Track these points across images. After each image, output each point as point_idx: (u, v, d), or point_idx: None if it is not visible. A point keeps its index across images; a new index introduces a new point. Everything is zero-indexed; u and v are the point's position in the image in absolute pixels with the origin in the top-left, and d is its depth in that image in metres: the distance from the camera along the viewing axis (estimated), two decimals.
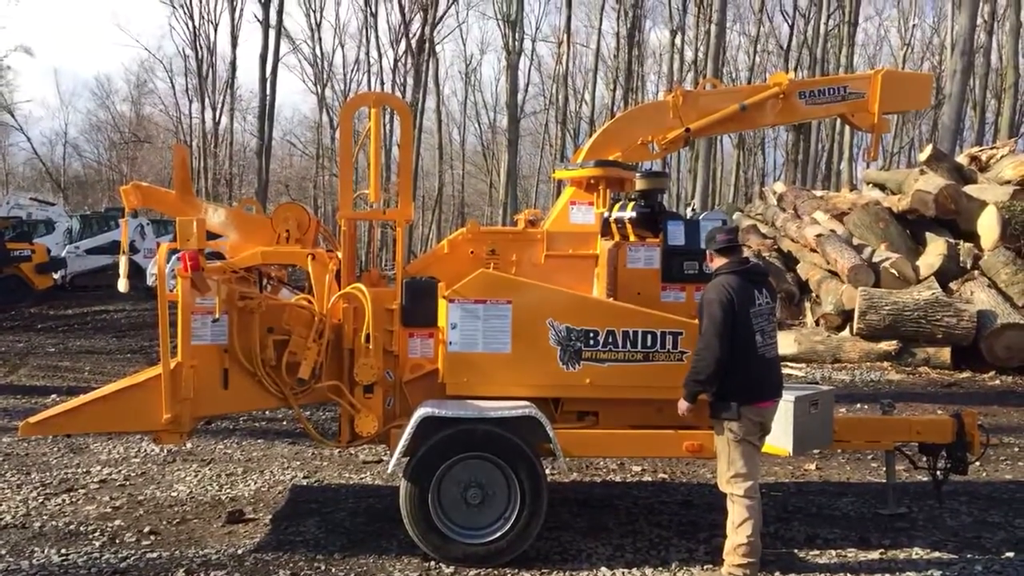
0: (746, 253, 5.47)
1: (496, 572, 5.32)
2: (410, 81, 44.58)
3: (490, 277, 5.75)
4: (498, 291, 5.67)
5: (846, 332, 14.41)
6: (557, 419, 5.77)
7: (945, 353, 13.46)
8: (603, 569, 5.43)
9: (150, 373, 5.60)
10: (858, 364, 13.68)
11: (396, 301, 5.77)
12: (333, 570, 5.32)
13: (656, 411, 5.79)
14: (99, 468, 7.51)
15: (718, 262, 5.28)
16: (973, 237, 15.14)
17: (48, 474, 7.31)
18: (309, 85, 59.22)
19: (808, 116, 6.29)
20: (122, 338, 17.36)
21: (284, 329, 5.66)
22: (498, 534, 5.44)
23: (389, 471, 5.52)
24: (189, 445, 8.14)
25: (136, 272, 27.48)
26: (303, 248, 6.00)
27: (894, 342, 13.63)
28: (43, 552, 5.54)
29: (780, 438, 5.53)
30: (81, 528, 5.99)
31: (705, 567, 5.44)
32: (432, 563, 5.39)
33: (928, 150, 17.09)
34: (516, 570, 5.34)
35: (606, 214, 6.05)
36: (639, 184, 6.14)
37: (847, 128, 46.15)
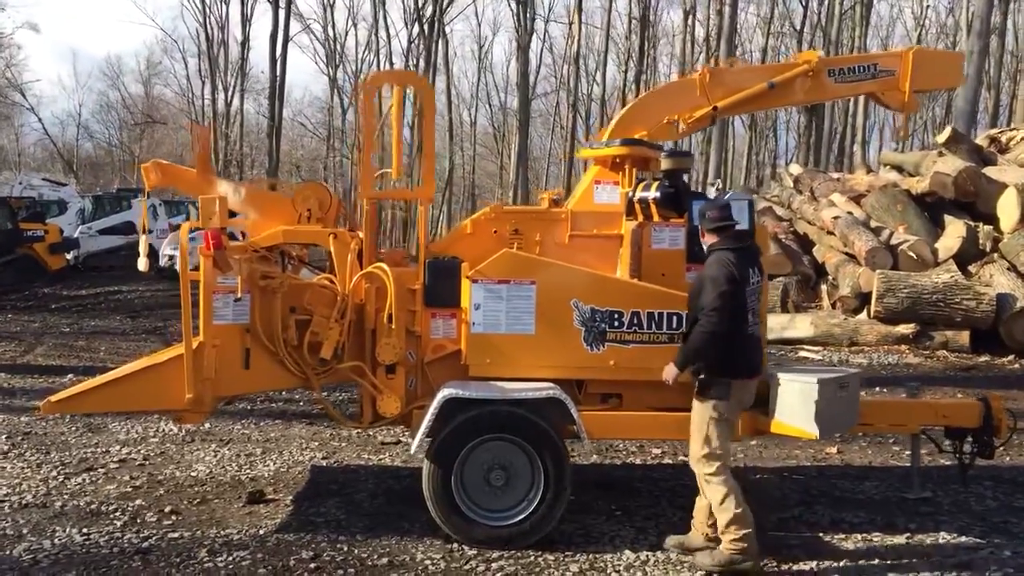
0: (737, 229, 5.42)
1: (520, 554, 5.27)
2: (421, 63, 44.44)
3: (514, 257, 5.69)
4: (522, 271, 5.61)
5: (863, 315, 14.30)
6: (580, 401, 5.71)
7: (964, 336, 13.36)
8: (627, 552, 5.39)
9: (171, 353, 5.57)
10: (875, 347, 13.58)
11: (419, 281, 5.72)
12: (356, 551, 5.28)
13: (680, 393, 5.71)
14: (118, 448, 7.49)
15: (710, 239, 5.23)
16: (992, 220, 14.98)
17: (67, 453, 7.30)
18: (321, 66, 59.18)
19: (837, 94, 6.20)
20: (136, 318, 17.35)
21: (306, 309, 5.61)
22: (521, 516, 5.40)
23: (412, 452, 5.45)
24: (207, 425, 8.11)
25: (149, 253, 27.57)
26: (325, 227, 5.94)
27: (912, 325, 13.52)
28: (65, 531, 5.52)
29: (805, 421, 5.46)
30: (102, 508, 5.97)
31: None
32: (455, 545, 5.35)
33: (947, 132, 16.92)
34: (540, 552, 5.30)
35: (630, 194, 5.98)
36: (663, 164, 6.06)
37: (860, 110, 46.07)
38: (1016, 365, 12.74)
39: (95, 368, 11.04)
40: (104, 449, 7.44)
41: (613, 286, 5.71)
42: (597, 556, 5.31)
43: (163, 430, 8.07)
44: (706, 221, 5.26)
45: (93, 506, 6.00)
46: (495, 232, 5.92)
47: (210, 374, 5.37)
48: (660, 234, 6.00)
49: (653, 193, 5.97)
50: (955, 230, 14.69)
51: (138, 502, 6.10)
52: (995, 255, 14.38)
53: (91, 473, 6.76)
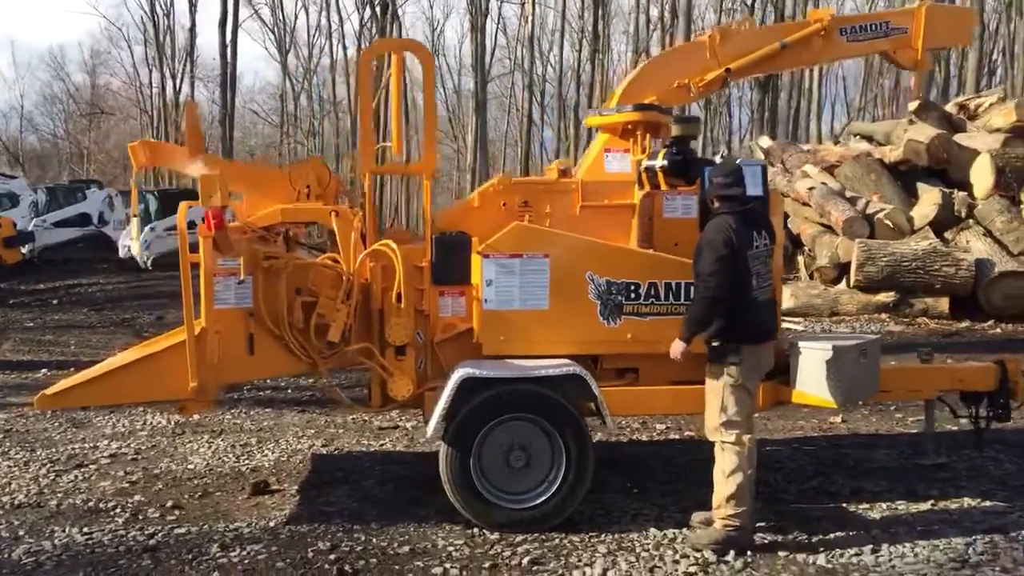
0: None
1: (544, 537, 5.09)
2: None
3: (526, 230, 5.49)
4: (534, 244, 5.42)
5: (842, 285, 14.30)
6: (597, 378, 5.53)
7: (943, 303, 13.41)
8: (652, 530, 5.23)
9: (170, 340, 5.30)
10: (856, 316, 13.60)
11: (426, 258, 5.50)
12: (374, 540, 5.07)
13: (698, 365, 5.56)
14: (107, 442, 7.19)
15: (716, 205, 5.07)
16: (965, 186, 15.04)
17: (54, 450, 6.99)
18: (271, 51, 58.35)
19: (849, 53, 6.07)
20: (101, 311, 16.89)
21: (311, 290, 5.37)
22: (543, 498, 5.22)
23: (428, 436, 5.24)
24: (196, 417, 7.83)
25: (106, 245, 26.98)
26: (325, 205, 5.69)
27: (892, 293, 13.56)
28: (64, 531, 5.24)
29: (826, 390, 5.34)
30: (100, 505, 5.69)
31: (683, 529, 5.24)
32: (476, 529, 5.17)
33: (917, 99, 16.95)
34: (564, 534, 5.13)
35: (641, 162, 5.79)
36: (671, 130, 5.88)
37: (815, 84, 46.30)
38: (998, 329, 12.81)
39: (68, 362, 10.72)
40: (92, 444, 7.13)
41: (629, 257, 5.53)
42: (623, 535, 5.15)
43: (151, 423, 7.78)
44: (713, 187, 5.10)
45: (90, 504, 5.72)
46: (504, 205, 5.69)
47: (213, 361, 5.13)
48: (672, 202, 5.82)
49: (660, 161, 5.79)
50: (930, 197, 14.72)
51: (137, 498, 5.83)
52: (970, 221, 14.44)
53: (82, 470, 6.46)
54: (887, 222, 14.47)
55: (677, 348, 4.99)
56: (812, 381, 5.38)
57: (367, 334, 5.49)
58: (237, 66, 40.73)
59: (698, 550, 4.91)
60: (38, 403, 5.13)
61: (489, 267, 5.39)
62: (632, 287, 5.44)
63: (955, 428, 6.89)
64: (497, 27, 54.20)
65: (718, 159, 6.75)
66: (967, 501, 5.72)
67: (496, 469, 5.22)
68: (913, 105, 16.66)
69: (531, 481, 5.25)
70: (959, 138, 15.84)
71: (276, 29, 53.03)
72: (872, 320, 13.35)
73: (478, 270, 5.40)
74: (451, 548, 4.96)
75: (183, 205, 5.19)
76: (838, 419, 7.80)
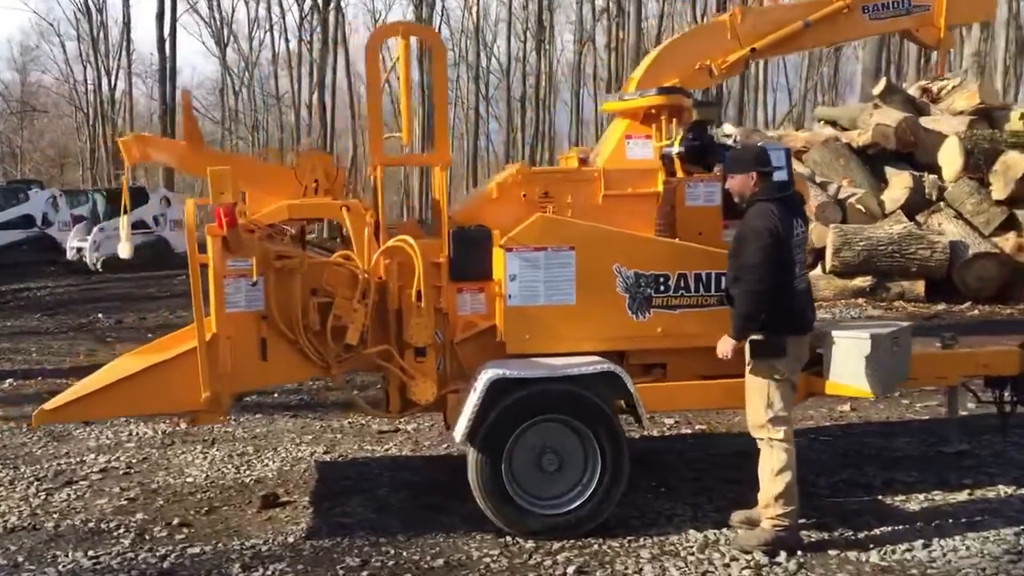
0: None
1: (582, 543, 4.86)
2: (317, 39, 43.17)
3: (550, 221, 5.23)
4: (559, 237, 5.16)
5: (817, 270, 14.24)
6: None
7: (919, 286, 13.44)
8: (692, 532, 5.03)
9: (176, 346, 4.95)
10: (833, 302, 13.55)
11: (443, 254, 5.20)
12: (404, 553, 4.78)
13: (726, 359, 5.36)
14: (93, 456, 6.76)
15: (750, 189, 4.83)
16: (932, 169, 15.07)
17: (39, 467, 6.54)
18: (209, 46, 57.23)
19: (872, 31, 5.93)
20: (54, 315, 16.25)
21: (325, 290, 5.06)
22: (578, 502, 4.98)
23: (458, 441, 4.94)
24: (183, 425, 7.45)
25: (52, 247, 26.14)
26: (333, 199, 5.36)
27: (868, 278, 13.54)
28: (67, 556, 4.85)
29: (864, 379, 5.16)
30: (101, 525, 5.30)
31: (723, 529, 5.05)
32: (509, 538, 4.91)
33: (882, 83, 16.97)
34: (601, 539, 4.90)
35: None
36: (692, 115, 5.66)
37: (761, 76, 46.60)
38: (976, 311, 12.85)
39: (35, 371, 10.28)
40: (78, 459, 6.71)
41: (657, 248, 5.30)
42: (663, 539, 4.93)
43: (137, 434, 7.36)
44: (758, 165, 4.87)
45: (91, 524, 5.32)
46: (524, 196, 5.41)
47: (226, 369, 4.79)
48: (695, 190, 5.62)
49: (677, 148, 5.57)
50: (901, 181, 14.73)
51: (139, 516, 5.45)
52: (941, 204, 14.47)
53: (74, 487, 6.05)
54: (859, 207, 14.45)
55: (727, 346, 4.77)
56: (848, 372, 5.20)
57: (384, 335, 5.19)
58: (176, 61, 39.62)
59: (747, 552, 4.71)
60: (37, 419, 4.75)
61: (513, 261, 5.13)
62: (661, 279, 5.22)
63: (966, 413, 6.77)
64: (440, 19, 53.65)
65: (730, 142, 6.53)
66: (1003, 489, 5.61)
67: (528, 474, 4.97)
68: (878, 88, 16.67)
69: (564, 485, 5.02)
70: (924, 121, 15.87)
71: (213, 23, 51.99)
72: (850, 305, 13.31)
73: (500, 265, 5.13)
74: (487, 559, 4.70)
75: (190, 203, 4.83)
76: (847, 407, 7.67)
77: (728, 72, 5.66)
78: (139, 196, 24.62)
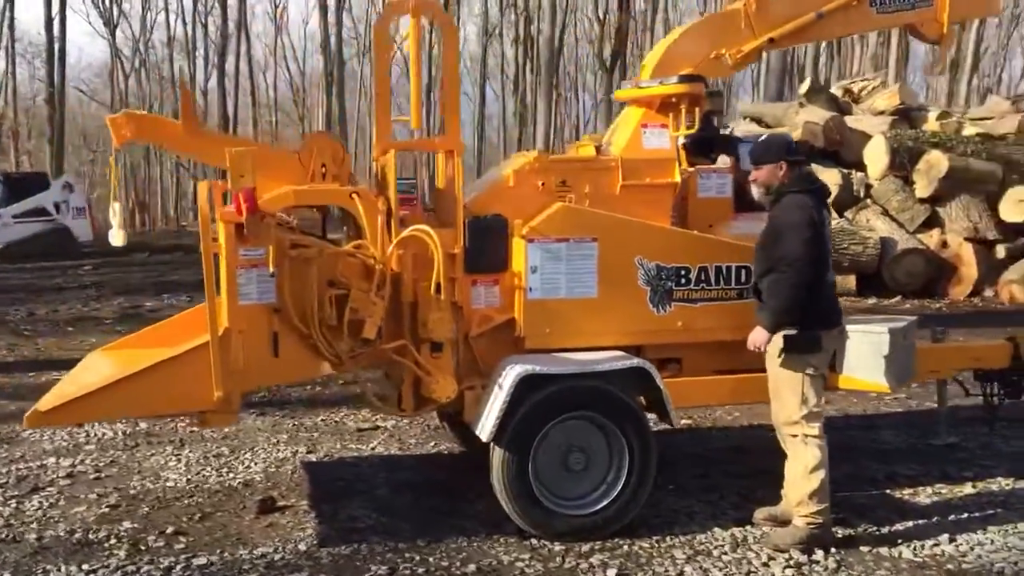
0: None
1: (611, 544, 4.70)
2: (212, 23, 41.95)
3: (572, 212, 5.04)
4: (581, 227, 4.99)
5: None
6: None
7: (850, 281, 13.74)
8: (716, 529, 4.93)
9: (189, 343, 4.57)
10: None
11: (458, 244, 4.96)
12: (431, 559, 4.53)
13: (741, 353, 5.27)
14: (53, 459, 6.26)
15: (778, 180, 4.76)
16: (857, 167, 15.42)
17: None
18: (97, 27, 54.94)
19: (878, 25, 5.91)
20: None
21: (341, 282, 4.76)
22: (605, 502, 4.83)
23: (485, 440, 4.71)
24: (143, 425, 7.01)
25: None
26: (342, 185, 5.05)
27: None
28: (59, 569, 4.42)
29: (879, 374, 5.17)
30: (89, 536, 4.86)
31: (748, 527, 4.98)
32: (535, 540, 4.72)
33: (807, 83, 17.33)
34: (630, 540, 4.76)
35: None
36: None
37: None
38: (907, 305, 13.19)
39: (8, 364, 9.57)
40: (38, 463, 6.19)
41: (678, 240, 5.17)
42: (690, 538, 4.82)
43: (95, 435, 6.84)
44: (788, 153, 4.80)
45: (77, 535, 4.88)
46: (542, 185, 5.20)
47: (239, 366, 4.46)
48: (707, 181, 5.51)
49: (681, 138, 5.46)
50: (831, 178, 14.95)
51: (127, 525, 5.04)
52: (868, 201, 14.82)
53: (42, 493, 5.57)
54: None
55: (761, 338, 4.67)
56: (863, 366, 5.19)
57: (398, 330, 4.92)
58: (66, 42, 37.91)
59: (782, 551, 4.62)
60: (28, 421, 4.31)
61: (534, 253, 4.92)
62: (683, 272, 5.10)
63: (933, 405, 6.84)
64: (342, 8, 52.63)
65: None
66: (1002, 482, 5.68)
67: (553, 473, 4.80)
68: (804, 87, 17.00)
69: (589, 485, 4.87)
70: (847, 120, 16.24)
71: (101, 2, 49.82)
72: None
73: (521, 256, 4.92)
74: (520, 564, 4.49)
75: (203, 186, 4.47)
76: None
77: (742, 62, 5.56)
78: (39, 182, 23.41)
